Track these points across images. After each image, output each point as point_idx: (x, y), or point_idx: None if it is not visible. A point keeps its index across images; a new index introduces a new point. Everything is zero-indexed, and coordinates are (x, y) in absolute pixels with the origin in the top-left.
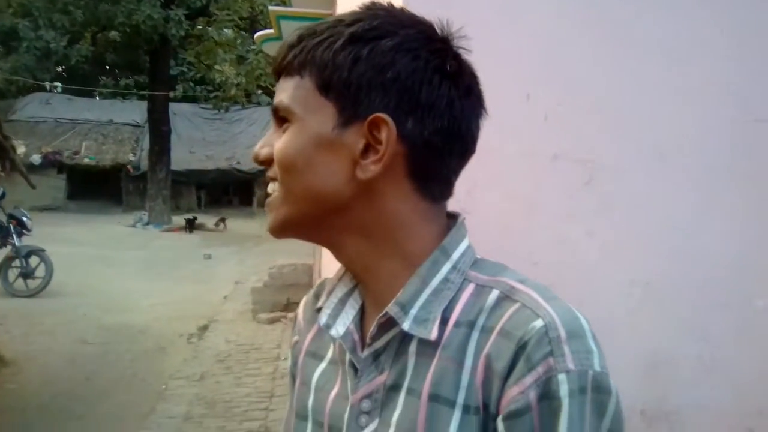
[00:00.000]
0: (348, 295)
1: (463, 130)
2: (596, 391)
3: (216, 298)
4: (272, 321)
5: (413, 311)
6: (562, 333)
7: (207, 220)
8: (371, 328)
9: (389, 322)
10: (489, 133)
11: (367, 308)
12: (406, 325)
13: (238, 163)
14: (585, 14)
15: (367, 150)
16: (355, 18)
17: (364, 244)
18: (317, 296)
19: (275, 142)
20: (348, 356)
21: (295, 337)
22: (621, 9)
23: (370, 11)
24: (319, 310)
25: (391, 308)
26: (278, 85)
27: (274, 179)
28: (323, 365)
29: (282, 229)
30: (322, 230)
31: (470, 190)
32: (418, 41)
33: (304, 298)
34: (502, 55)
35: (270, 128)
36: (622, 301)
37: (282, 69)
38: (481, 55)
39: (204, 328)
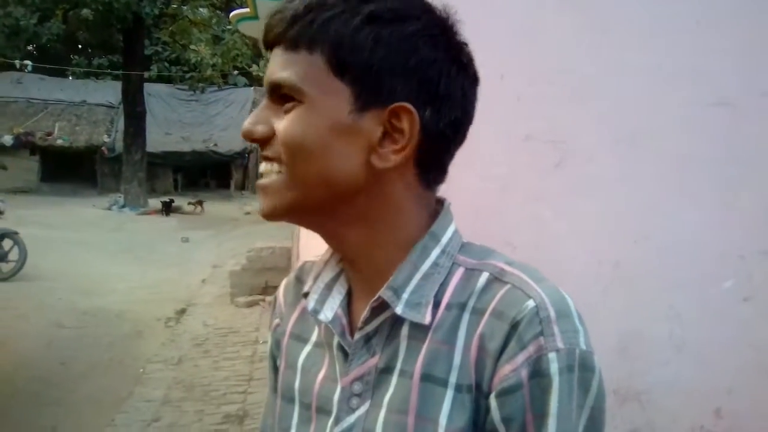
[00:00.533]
0: (334, 279)
1: (469, 118)
2: (582, 369)
3: (194, 281)
4: (250, 304)
5: (405, 295)
6: (552, 313)
7: (184, 202)
8: (364, 312)
9: (381, 306)
10: None
11: (354, 293)
12: (399, 309)
13: (215, 145)
14: None
15: (383, 137)
16: None
17: (364, 231)
18: (299, 279)
19: (275, 121)
20: (336, 340)
21: (276, 320)
22: None
23: None
24: (305, 294)
25: (384, 292)
26: (275, 58)
27: (271, 159)
28: (308, 348)
29: (283, 214)
30: (324, 216)
31: None
32: (438, 28)
33: (285, 281)
34: (477, 35)
35: (262, 103)
36: (592, 281)
37: (281, 40)
38: None
39: (182, 312)
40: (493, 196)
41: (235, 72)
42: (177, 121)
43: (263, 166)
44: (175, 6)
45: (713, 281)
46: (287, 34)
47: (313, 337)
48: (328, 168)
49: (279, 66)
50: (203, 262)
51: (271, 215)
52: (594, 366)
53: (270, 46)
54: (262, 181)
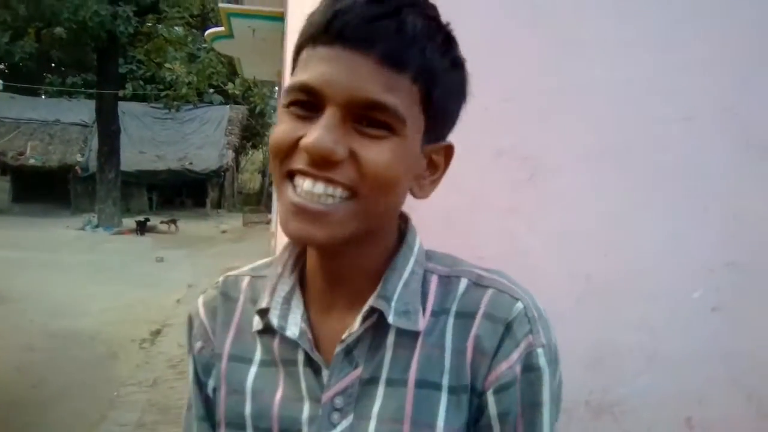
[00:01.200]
0: (290, 294)
1: None
2: (556, 362)
3: (169, 301)
4: None
5: (393, 303)
6: (535, 312)
7: (159, 222)
8: (354, 324)
9: (367, 316)
10: None
11: (312, 306)
12: (390, 318)
13: (191, 163)
14: (529, 12)
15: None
16: (447, 25)
17: (368, 249)
18: (226, 296)
19: (355, 146)
20: (302, 356)
21: (198, 343)
22: (565, 9)
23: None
24: (263, 311)
25: (377, 301)
26: (362, 68)
27: (337, 183)
28: (254, 369)
29: (340, 245)
30: (358, 242)
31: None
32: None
33: (203, 299)
34: None
35: (333, 118)
36: (564, 294)
37: (378, 51)
38: None
39: (156, 333)
40: (464, 210)
41: (211, 90)
42: (152, 140)
43: (318, 188)
44: (150, 24)
45: (683, 292)
46: (395, 52)
47: (257, 357)
48: (397, 201)
49: (379, 85)
50: (178, 281)
51: (328, 245)
52: (559, 358)
53: (342, 40)
54: (317, 206)
